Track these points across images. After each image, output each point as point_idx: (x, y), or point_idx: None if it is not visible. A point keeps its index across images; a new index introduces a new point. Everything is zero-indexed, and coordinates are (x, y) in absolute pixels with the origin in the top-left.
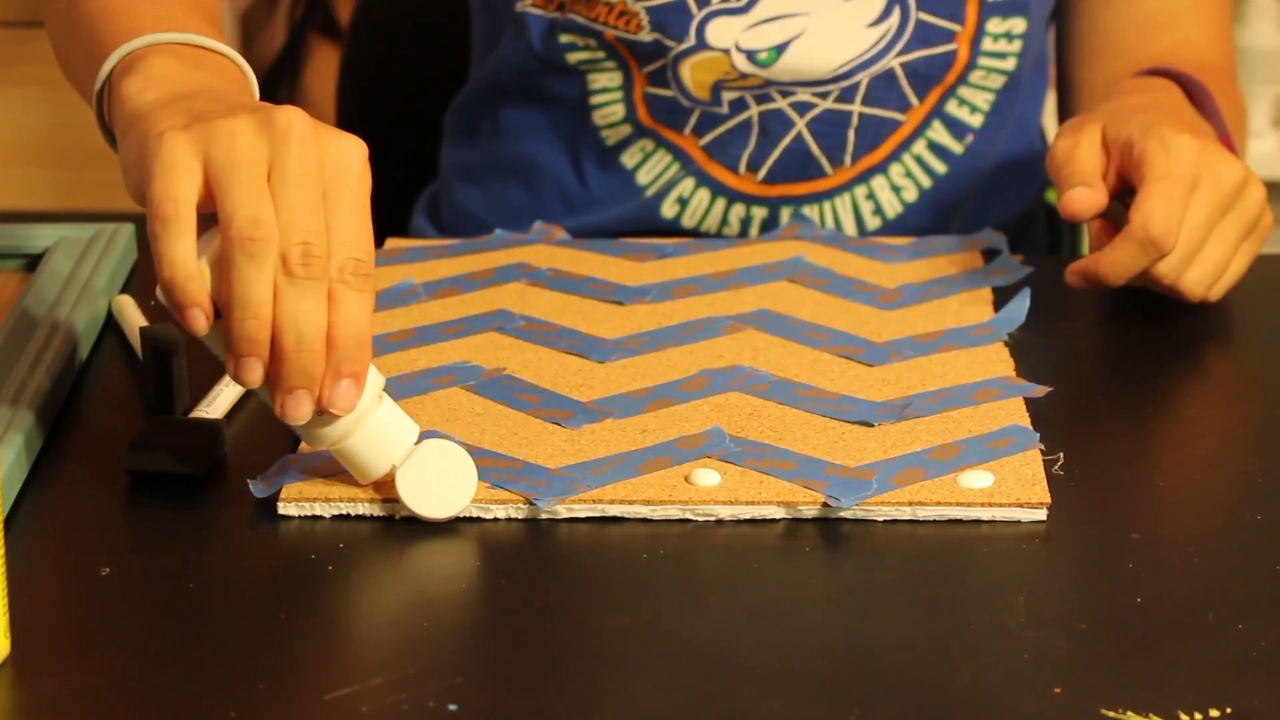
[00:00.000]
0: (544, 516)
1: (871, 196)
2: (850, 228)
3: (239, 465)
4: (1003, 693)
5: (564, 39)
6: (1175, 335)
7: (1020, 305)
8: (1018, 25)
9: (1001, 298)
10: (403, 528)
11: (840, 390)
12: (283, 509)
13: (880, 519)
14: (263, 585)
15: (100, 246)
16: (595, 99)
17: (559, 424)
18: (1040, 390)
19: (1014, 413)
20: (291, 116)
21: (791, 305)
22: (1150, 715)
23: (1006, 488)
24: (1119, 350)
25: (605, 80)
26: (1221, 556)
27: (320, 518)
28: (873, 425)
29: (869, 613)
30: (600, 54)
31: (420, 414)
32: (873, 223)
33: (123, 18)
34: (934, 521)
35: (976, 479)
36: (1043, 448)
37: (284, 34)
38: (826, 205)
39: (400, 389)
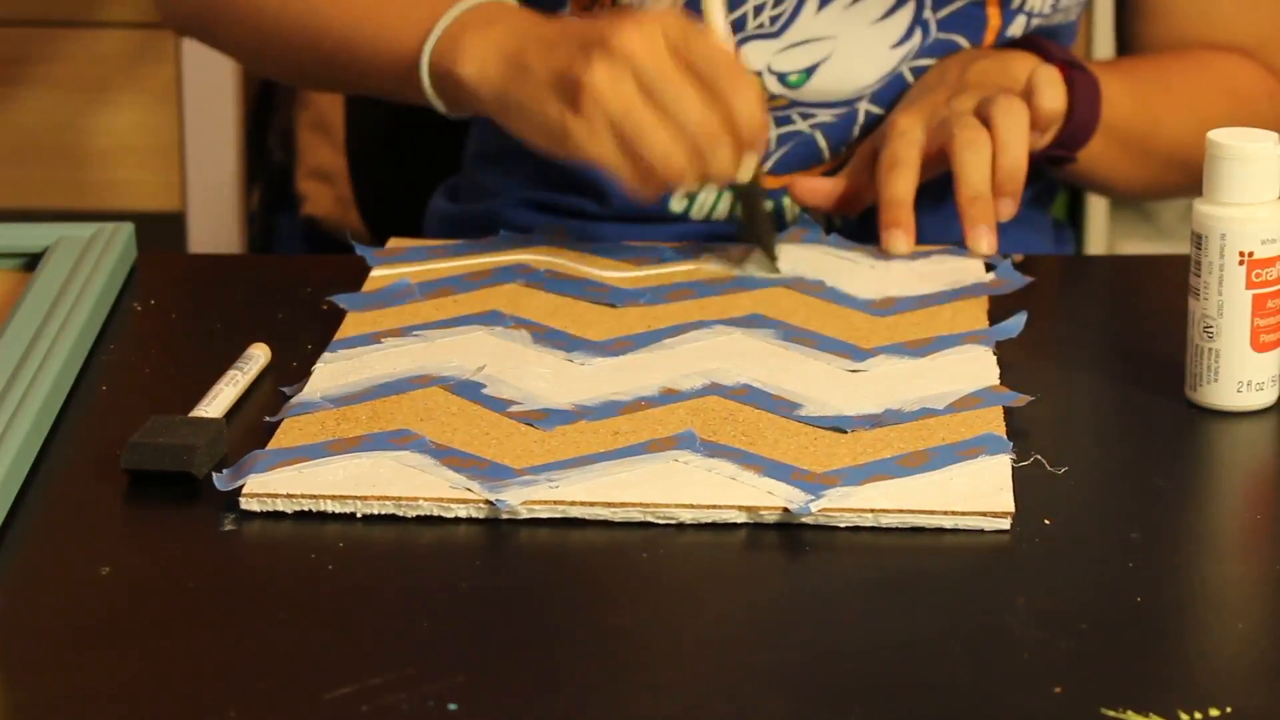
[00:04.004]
0: (525, 516)
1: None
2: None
3: None
4: (1003, 693)
5: None
6: (1173, 336)
7: (1016, 321)
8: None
9: (999, 306)
10: (401, 528)
11: (820, 396)
12: (244, 504)
13: (842, 525)
14: (262, 585)
15: (100, 246)
16: None
17: (532, 425)
18: (1022, 400)
19: (990, 421)
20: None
21: (784, 310)
22: (1150, 715)
23: (970, 497)
24: (1118, 351)
25: None
26: (1221, 556)
27: (311, 517)
28: (846, 432)
29: (868, 613)
30: None
31: (395, 413)
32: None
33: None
34: (899, 530)
35: (941, 487)
36: (1014, 456)
37: None
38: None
39: (379, 388)
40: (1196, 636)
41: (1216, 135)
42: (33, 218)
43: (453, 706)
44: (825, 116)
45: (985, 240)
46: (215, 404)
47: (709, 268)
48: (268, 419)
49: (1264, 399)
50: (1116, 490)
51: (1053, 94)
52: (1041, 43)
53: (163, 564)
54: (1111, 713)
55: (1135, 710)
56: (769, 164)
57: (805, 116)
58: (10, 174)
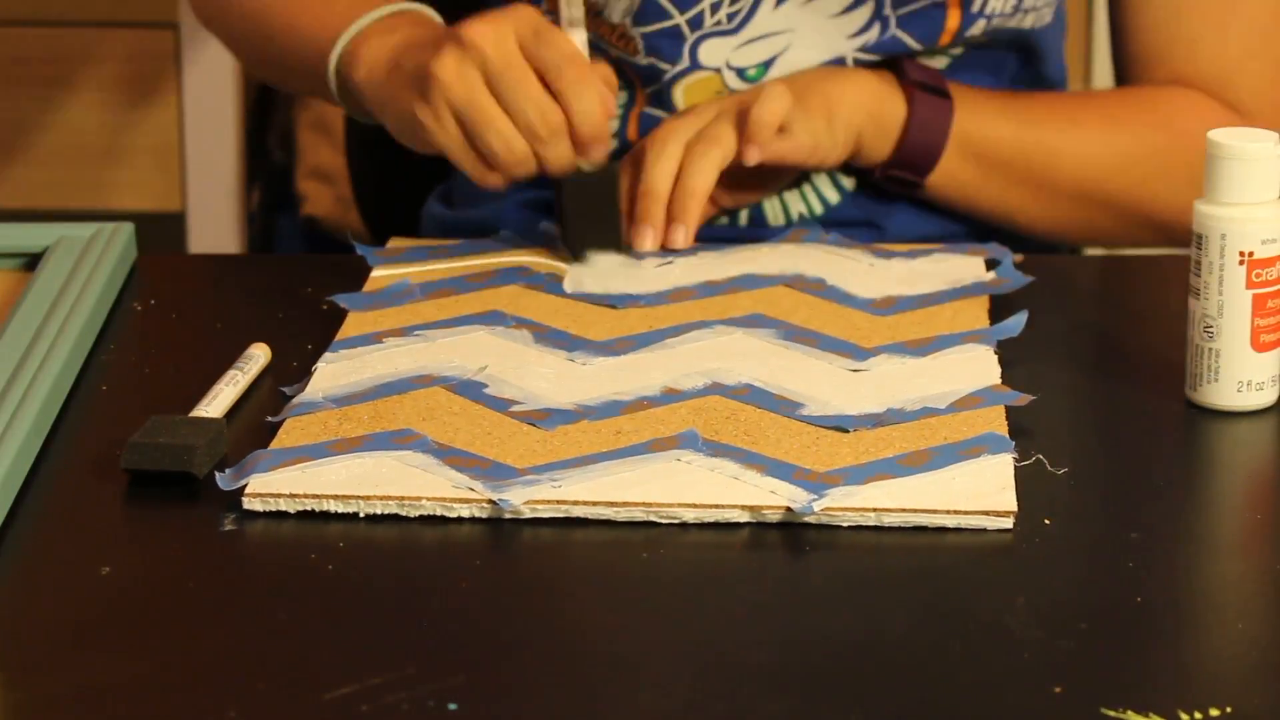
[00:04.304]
0: (528, 515)
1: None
2: (816, 202)
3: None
4: (1003, 693)
5: None
6: (1173, 336)
7: (1017, 321)
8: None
9: (1000, 306)
10: (402, 528)
11: (822, 396)
12: (247, 504)
13: (844, 525)
14: (263, 585)
15: (100, 246)
16: None
17: (534, 424)
18: (1023, 399)
19: (992, 421)
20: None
21: (785, 310)
22: (1150, 715)
23: (972, 496)
24: (1118, 351)
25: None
26: (1221, 556)
27: (312, 516)
28: (848, 431)
29: (869, 612)
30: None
31: (398, 413)
32: (833, 198)
33: (316, 19)
34: (901, 529)
35: (943, 486)
36: (1016, 455)
37: None
38: (787, 193)
39: (382, 388)
40: (1196, 636)
41: (1216, 135)
42: (33, 218)
43: (453, 706)
44: None
45: (649, 238)
46: (215, 404)
47: (709, 268)
48: (269, 419)
49: (1264, 399)
50: (1116, 490)
51: (770, 107)
52: (901, 63)
53: (163, 564)
54: (1111, 713)
55: (1135, 710)
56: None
57: None
58: (10, 174)
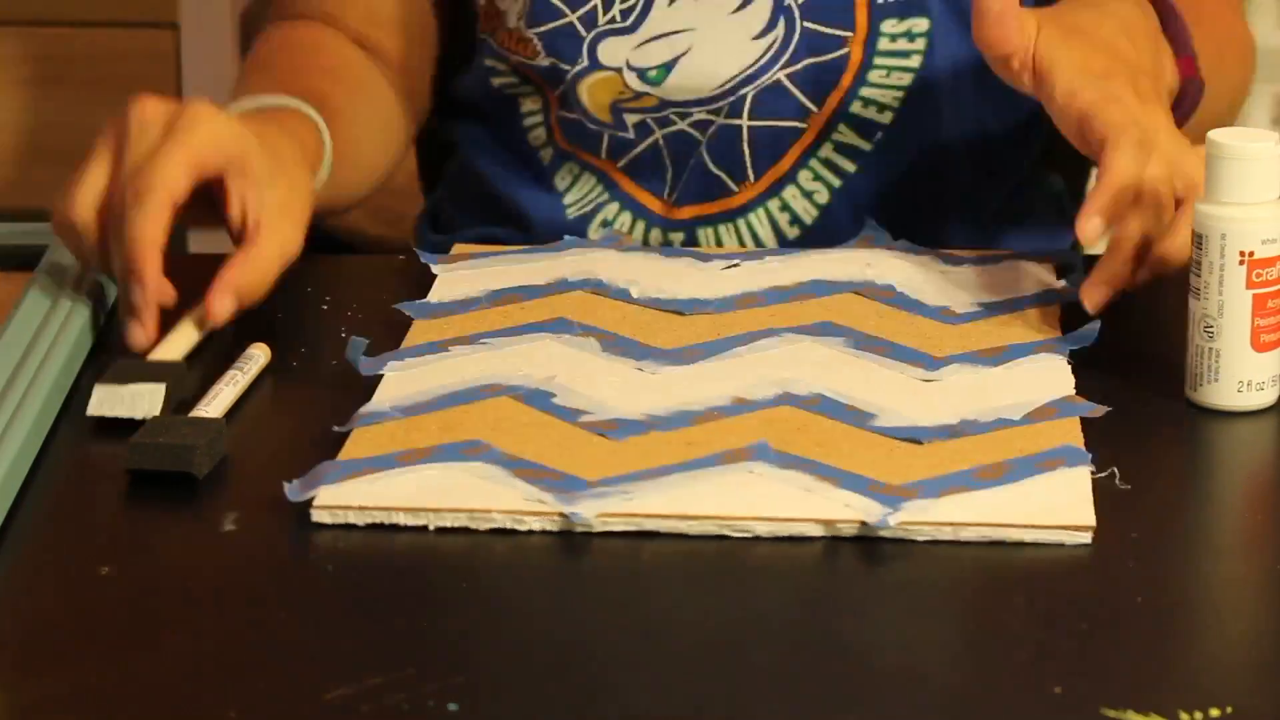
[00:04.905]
0: (599, 529)
1: (786, 208)
2: (769, 240)
3: (239, 465)
4: (1003, 693)
5: (488, 62)
6: (1173, 336)
7: (1090, 329)
8: (919, 24)
9: (1072, 315)
10: (401, 528)
11: (894, 406)
12: (315, 516)
13: (920, 539)
14: (263, 585)
15: None
16: (526, 121)
17: (604, 435)
18: (1098, 410)
19: (1068, 432)
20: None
21: (855, 318)
22: (1150, 715)
23: (1050, 510)
24: (1118, 351)
25: (529, 104)
26: (1221, 556)
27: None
28: (921, 443)
29: (869, 613)
30: (515, 79)
31: (466, 423)
32: (791, 232)
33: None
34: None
35: (1020, 500)
36: (1093, 469)
37: None
38: (741, 223)
39: (450, 398)
40: (1196, 636)
41: (1216, 135)
42: (33, 218)
43: (453, 706)
44: (701, 115)
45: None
46: (215, 404)
47: (779, 274)
48: (336, 429)
49: (1264, 399)
50: (1117, 490)
51: (1183, 242)
52: (1170, 20)
53: (163, 564)
54: (1111, 713)
55: (1135, 710)
56: (672, 195)
57: (683, 115)
58: (10, 174)
